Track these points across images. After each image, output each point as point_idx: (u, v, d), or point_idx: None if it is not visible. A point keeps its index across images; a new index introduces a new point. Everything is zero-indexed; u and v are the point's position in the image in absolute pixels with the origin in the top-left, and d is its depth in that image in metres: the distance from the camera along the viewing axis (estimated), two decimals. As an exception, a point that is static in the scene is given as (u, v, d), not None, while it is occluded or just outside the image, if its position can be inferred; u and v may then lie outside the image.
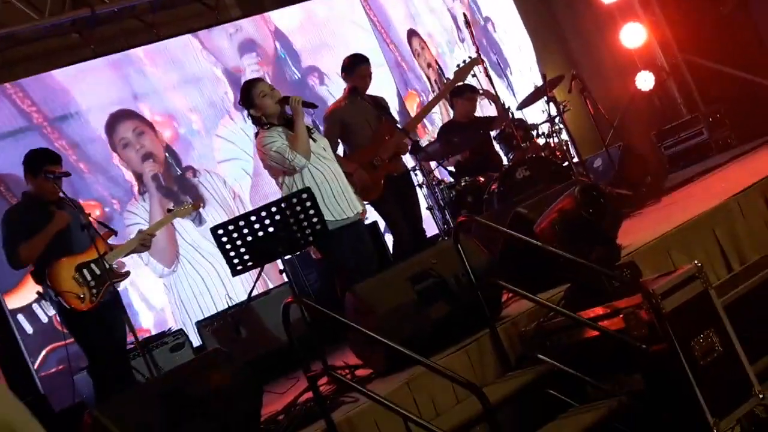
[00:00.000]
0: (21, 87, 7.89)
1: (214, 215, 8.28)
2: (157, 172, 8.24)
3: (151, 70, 8.53)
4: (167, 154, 8.35)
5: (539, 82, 10.82)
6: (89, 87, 8.18)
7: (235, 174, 8.60)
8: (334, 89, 9.10)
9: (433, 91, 10.14)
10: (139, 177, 8.16)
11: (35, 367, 7.20)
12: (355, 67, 6.87)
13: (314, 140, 5.59)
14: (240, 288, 7.98)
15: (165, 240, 7.96)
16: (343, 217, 5.56)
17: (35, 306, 7.25)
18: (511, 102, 9.27)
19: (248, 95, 5.60)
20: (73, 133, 7.98)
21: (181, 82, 8.67)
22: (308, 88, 9.27)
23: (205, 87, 8.76)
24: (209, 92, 8.75)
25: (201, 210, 8.15)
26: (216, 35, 9.02)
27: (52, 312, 7.05)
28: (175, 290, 7.98)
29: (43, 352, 7.28)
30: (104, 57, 8.36)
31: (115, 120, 8.24)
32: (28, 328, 7.28)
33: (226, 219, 8.02)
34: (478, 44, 7.97)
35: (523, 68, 11.18)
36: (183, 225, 7.96)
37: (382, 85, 9.18)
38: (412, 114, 9.74)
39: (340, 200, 5.57)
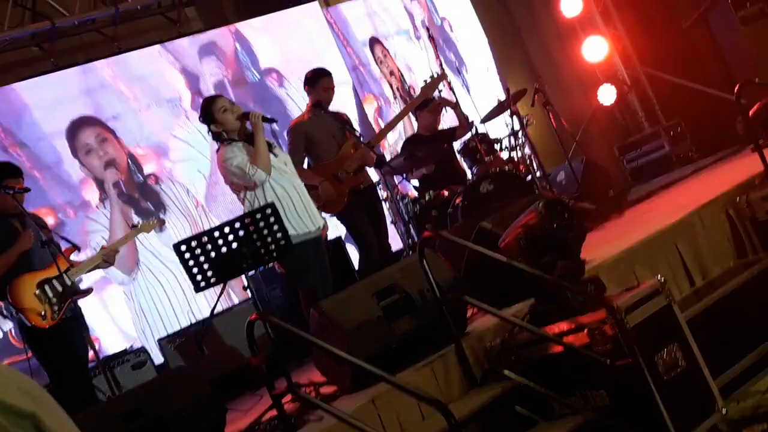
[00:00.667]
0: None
1: (175, 222, 8.24)
2: (118, 179, 8.19)
3: (108, 72, 8.47)
4: (129, 161, 8.30)
5: (497, 84, 10.92)
6: (45, 92, 8.11)
7: (190, 175, 8.54)
8: (293, 92, 9.11)
9: (396, 98, 10.17)
10: (100, 184, 8.10)
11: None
12: (318, 80, 6.88)
13: (275, 155, 5.63)
14: (203, 303, 7.93)
15: (125, 248, 7.86)
16: (305, 231, 5.57)
17: (-9, 320, 7.16)
18: (467, 104, 9.31)
19: (208, 111, 5.62)
20: (26, 138, 7.89)
21: (134, 78, 8.62)
22: (267, 89, 9.24)
23: (162, 86, 8.71)
24: (166, 91, 8.71)
25: (162, 217, 8.10)
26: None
27: (8, 326, 6.95)
28: (135, 299, 7.90)
29: (0, 368, 7.16)
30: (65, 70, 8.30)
31: (77, 126, 8.17)
32: (-17, 343, 7.18)
33: (187, 227, 8.21)
34: (436, 47, 7.99)
35: (479, 67, 11.23)
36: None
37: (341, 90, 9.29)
38: (370, 117, 9.77)
39: (302, 214, 5.60)
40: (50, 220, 7.54)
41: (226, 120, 5.57)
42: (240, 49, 9.29)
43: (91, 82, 8.38)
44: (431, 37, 8.03)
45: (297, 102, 9.05)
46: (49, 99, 8.12)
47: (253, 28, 9.42)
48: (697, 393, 4.33)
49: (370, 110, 9.93)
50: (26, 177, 7.45)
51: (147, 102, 8.59)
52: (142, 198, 8.25)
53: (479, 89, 10.89)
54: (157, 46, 8.82)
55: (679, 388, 4.24)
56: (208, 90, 8.89)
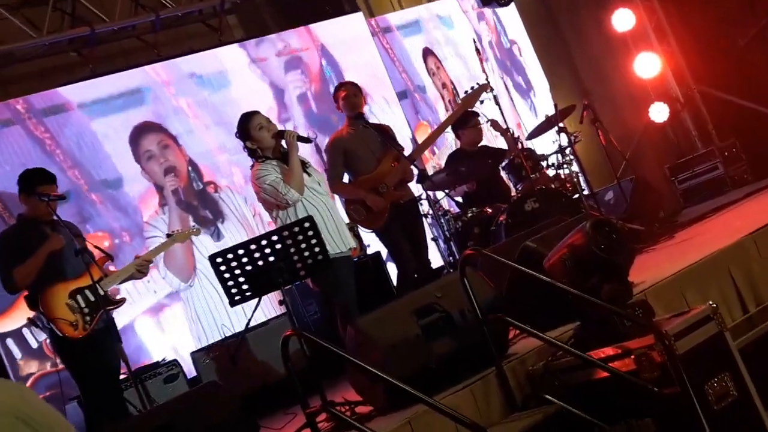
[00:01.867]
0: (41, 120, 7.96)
1: (233, 231, 8.40)
2: (177, 186, 8.35)
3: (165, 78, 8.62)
4: (190, 168, 8.46)
5: (547, 99, 10.90)
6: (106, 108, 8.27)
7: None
8: (375, 109, 9.30)
9: (447, 111, 10.19)
10: (160, 190, 8.28)
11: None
12: (338, 93, 7.01)
13: (309, 174, 5.76)
14: (237, 316, 7.98)
15: (183, 254, 8.09)
16: (336, 252, 5.65)
17: (25, 330, 7.25)
18: (529, 123, 9.30)
19: (245, 127, 5.77)
20: (86, 161, 8.01)
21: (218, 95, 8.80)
22: None
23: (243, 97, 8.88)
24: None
25: (220, 225, 8.34)
26: (263, 49, 9.19)
27: (42, 337, 7.04)
28: (191, 305, 8.03)
29: (32, 378, 7.26)
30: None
31: (140, 132, 8.34)
32: (17, 353, 7.27)
33: (244, 235, 8.30)
34: (488, 69, 8.00)
35: (546, 89, 11.24)
36: (201, 240, 8.04)
37: (392, 117, 9.37)
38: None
39: (333, 235, 5.70)
40: (106, 244, 7.65)
41: (262, 137, 5.72)
42: (326, 65, 9.43)
43: (154, 86, 8.52)
44: (477, 50, 8.01)
45: (380, 120, 9.01)
46: (112, 114, 8.27)
47: (333, 42, 9.56)
48: (749, 424, 4.27)
49: (422, 138, 9.93)
50: (84, 200, 7.63)
51: (215, 115, 8.73)
52: (200, 205, 8.42)
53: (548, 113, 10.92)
54: (245, 59, 8.95)
55: (730, 419, 4.18)
56: (291, 102, 9.09)
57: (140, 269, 5.96)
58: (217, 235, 8.34)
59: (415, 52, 10.35)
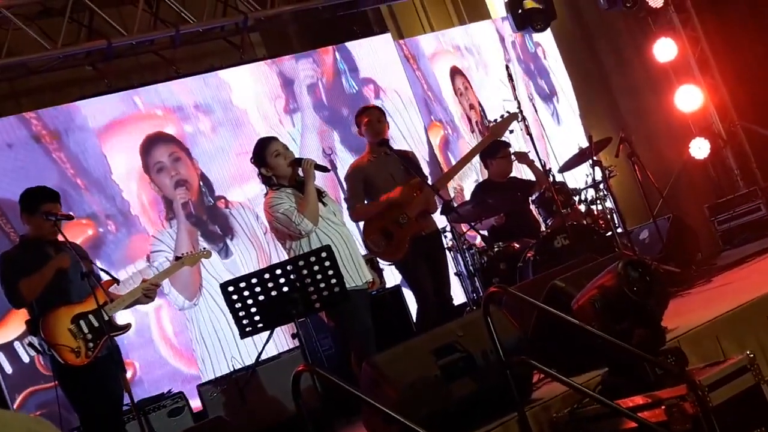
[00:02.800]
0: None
1: (242, 249, 8.44)
2: (188, 200, 8.40)
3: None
4: (201, 183, 8.51)
5: (579, 128, 10.89)
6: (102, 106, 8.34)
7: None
8: (388, 105, 9.31)
9: (474, 132, 10.21)
10: (169, 203, 8.32)
11: (13, 408, 7.16)
12: (361, 118, 7.02)
13: (324, 204, 5.80)
14: (246, 347, 7.98)
15: (189, 271, 8.00)
16: (351, 285, 5.62)
17: (17, 344, 7.28)
18: (551, 131, 9.27)
19: (261, 154, 5.82)
20: (74, 146, 8.04)
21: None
22: (363, 100, 9.38)
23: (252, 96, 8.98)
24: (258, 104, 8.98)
25: (229, 242, 8.37)
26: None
27: (33, 352, 7.06)
28: (195, 325, 8.06)
29: (23, 395, 7.26)
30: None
31: (152, 142, 8.40)
32: (8, 368, 7.29)
33: (254, 254, 8.32)
34: (514, 85, 8.00)
35: (571, 96, 11.28)
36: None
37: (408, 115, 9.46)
38: (435, 147, 9.81)
39: (349, 267, 5.70)
40: (89, 232, 7.67)
41: (278, 165, 5.77)
42: (340, 58, 9.53)
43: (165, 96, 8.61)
44: (510, 77, 8.02)
45: (391, 116, 9.08)
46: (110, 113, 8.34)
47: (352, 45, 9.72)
48: (785, 484, 4.22)
49: (435, 139, 9.97)
50: (67, 183, 7.64)
51: (232, 117, 8.81)
52: (210, 221, 8.47)
53: (570, 122, 10.91)
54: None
55: (765, 478, 4.14)
56: (302, 93, 9.14)
57: (147, 293, 5.96)
58: (225, 252, 8.35)
59: (441, 69, 10.40)
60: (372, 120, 6.96)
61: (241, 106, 8.90)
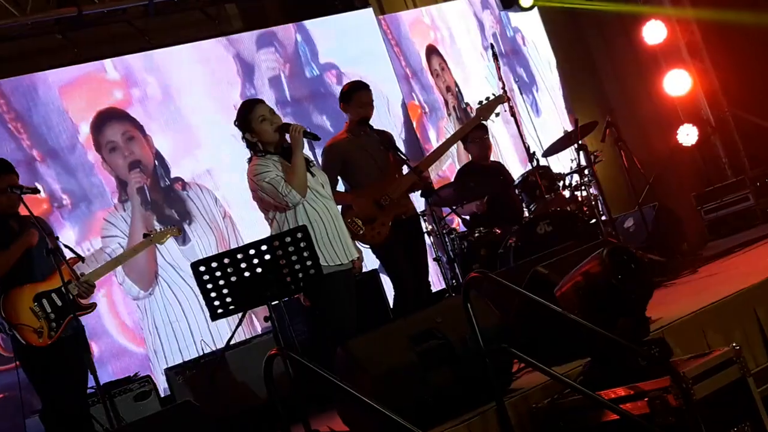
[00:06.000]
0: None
1: (200, 234, 8.31)
2: (143, 184, 8.25)
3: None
4: (157, 162, 8.37)
5: (563, 112, 10.89)
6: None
7: (230, 174, 8.45)
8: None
9: (450, 116, 10.18)
10: (122, 185, 8.18)
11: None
12: (352, 96, 6.88)
13: (312, 174, 5.60)
14: (224, 327, 7.95)
15: (144, 259, 7.96)
16: (336, 263, 5.54)
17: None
18: (532, 130, 9.28)
19: (245, 117, 5.60)
20: (36, 117, 7.97)
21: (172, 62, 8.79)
22: (324, 85, 9.33)
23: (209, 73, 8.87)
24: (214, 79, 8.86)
25: (186, 227, 8.25)
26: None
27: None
28: (149, 315, 7.97)
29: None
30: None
31: (103, 120, 8.26)
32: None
33: (213, 240, 8.25)
34: (499, 66, 7.98)
35: (551, 86, 11.27)
36: (165, 243, 7.85)
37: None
38: (414, 123, 9.79)
39: (335, 244, 5.56)
40: (43, 207, 7.61)
41: (264, 130, 5.56)
42: (300, 40, 9.42)
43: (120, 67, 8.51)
44: (495, 56, 8.00)
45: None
46: (71, 81, 8.25)
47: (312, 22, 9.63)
48: (769, 480, 4.24)
49: (412, 118, 9.94)
50: (22, 154, 7.58)
51: (188, 90, 8.71)
52: (165, 204, 8.33)
53: (550, 113, 10.89)
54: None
55: (749, 473, 4.16)
56: (262, 81, 9.04)
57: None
58: (183, 238, 8.21)
59: (413, 29, 10.38)
60: (368, 101, 6.89)
61: (197, 85, 8.78)
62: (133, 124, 8.39)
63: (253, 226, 8.28)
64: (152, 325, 7.93)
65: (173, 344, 7.94)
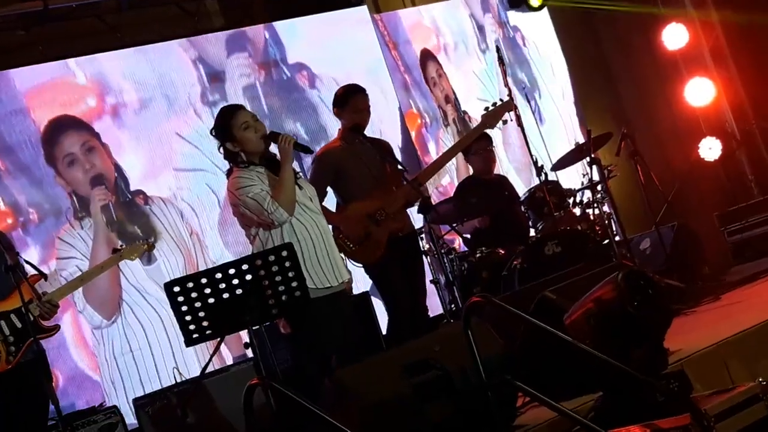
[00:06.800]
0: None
1: (167, 253, 8.24)
2: (108, 201, 8.14)
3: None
4: (117, 175, 8.28)
5: (574, 121, 10.90)
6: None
7: (198, 190, 8.49)
8: (325, 95, 9.16)
9: (448, 127, 10.18)
10: (83, 202, 8.07)
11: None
12: (348, 100, 6.89)
13: (299, 187, 5.54)
14: (192, 357, 7.92)
15: (107, 283, 7.86)
16: (324, 286, 5.48)
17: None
18: (537, 140, 9.28)
19: (226, 125, 5.52)
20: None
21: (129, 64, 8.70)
22: (297, 89, 9.32)
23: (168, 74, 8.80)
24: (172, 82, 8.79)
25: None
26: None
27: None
28: (107, 342, 7.88)
29: None
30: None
31: (58, 129, 8.15)
32: None
33: (180, 260, 8.18)
34: (506, 71, 8.00)
35: (554, 92, 11.26)
36: (129, 264, 7.66)
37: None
38: (413, 134, 9.78)
39: (323, 264, 5.50)
40: (8, 221, 7.59)
41: (248, 138, 5.48)
42: (269, 37, 9.40)
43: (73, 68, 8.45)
44: (502, 60, 8.02)
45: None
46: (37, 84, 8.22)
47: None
48: None
49: (412, 125, 9.93)
50: None
51: (145, 95, 8.63)
52: (127, 220, 8.22)
53: (553, 121, 10.90)
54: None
55: None
56: (234, 86, 9.00)
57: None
58: (147, 259, 8.10)
59: (411, 32, 10.41)
60: (361, 107, 6.88)
61: (164, 89, 8.74)
62: (90, 133, 8.28)
63: (218, 245, 8.38)
64: (110, 353, 7.85)
65: (134, 375, 7.86)
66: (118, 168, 8.30)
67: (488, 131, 7.86)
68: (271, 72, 9.30)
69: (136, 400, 7.12)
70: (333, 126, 8.67)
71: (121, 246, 6.57)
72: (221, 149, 5.60)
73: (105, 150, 8.30)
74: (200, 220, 8.51)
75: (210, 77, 8.94)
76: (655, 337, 4.81)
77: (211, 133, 5.67)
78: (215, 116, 5.69)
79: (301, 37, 9.53)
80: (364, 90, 6.97)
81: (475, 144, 8.07)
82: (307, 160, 7.69)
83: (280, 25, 9.47)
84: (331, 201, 7.01)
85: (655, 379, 4.53)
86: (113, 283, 7.94)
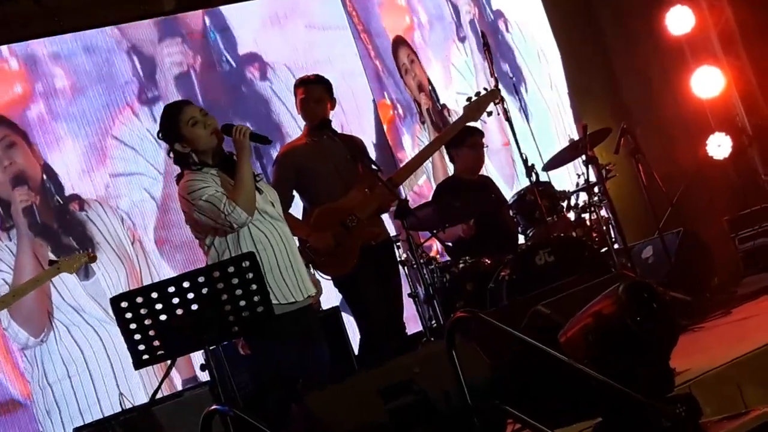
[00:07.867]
0: None
1: (107, 264, 8.15)
2: (31, 203, 8.04)
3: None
4: (45, 176, 8.19)
5: (567, 114, 10.92)
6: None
7: (133, 194, 8.46)
8: (279, 87, 9.16)
9: (425, 123, 10.17)
10: (5, 206, 7.97)
11: None
12: (295, 90, 6.99)
13: (259, 191, 5.52)
14: (138, 382, 7.90)
15: (34, 298, 7.70)
16: (288, 301, 5.47)
17: None
18: (526, 138, 9.30)
19: (173, 124, 5.49)
20: None
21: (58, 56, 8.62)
22: (245, 82, 9.30)
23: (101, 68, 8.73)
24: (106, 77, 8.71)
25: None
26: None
27: None
28: (40, 367, 7.80)
29: None
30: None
31: None
32: None
33: (122, 272, 8.12)
34: (492, 58, 8.03)
35: (542, 83, 11.30)
36: (62, 278, 7.56)
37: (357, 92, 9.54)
38: (384, 127, 9.79)
39: (287, 276, 5.49)
40: None
41: (197, 135, 5.45)
42: (209, 24, 9.34)
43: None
44: (487, 47, 8.04)
45: (287, 103, 9.02)
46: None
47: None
48: None
49: (383, 120, 9.94)
50: None
51: (76, 90, 8.55)
52: (61, 229, 8.14)
53: (542, 116, 10.93)
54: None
55: None
56: (164, 77, 8.91)
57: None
58: (85, 272, 8.00)
59: (383, 13, 10.44)
60: (307, 98, 6.89)
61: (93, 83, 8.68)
62: (12, 129, 8.18)
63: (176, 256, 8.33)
64: (42, 379, 7.80)
65: (71, 403, 7.82)
66: (47, 168, 8.19)
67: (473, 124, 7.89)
68: (213, 62, 9.27)
69: (77, 430, 7.12)
70: (289, 123, 8.72)
71: (60, 258, 6.54)
72: (171, 153, 5.59)
73: (31, 149, 8.19)
74: (141, 225, 8.48)
75: (145, 70, 8.89)
76: (660, 356, 4.83)
77: (158, 136, 5.66)
78: (159, 116, 5.66)
79: (250, 20, 9.51)
80: (311, 79, 7.01)
81: (468, 137, 8.11)
82: (272, 153, 7.66)
83: (227, 9, 9.45)
84: (297, 209, 7.04)
85: (660, 402, 4.56)
86: (42, 298, 7.83)
